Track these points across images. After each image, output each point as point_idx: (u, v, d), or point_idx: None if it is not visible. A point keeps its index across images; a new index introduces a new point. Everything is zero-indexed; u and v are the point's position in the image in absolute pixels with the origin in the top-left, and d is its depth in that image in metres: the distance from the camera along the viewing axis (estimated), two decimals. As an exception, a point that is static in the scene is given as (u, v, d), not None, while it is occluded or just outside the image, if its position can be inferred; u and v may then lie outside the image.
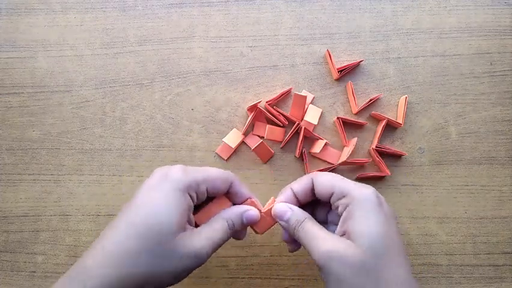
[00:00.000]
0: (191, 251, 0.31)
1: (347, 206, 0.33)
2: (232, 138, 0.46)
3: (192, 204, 0.33)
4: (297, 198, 0.36)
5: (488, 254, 0.45)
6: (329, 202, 0.35)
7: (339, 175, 0.36)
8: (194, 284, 0.45)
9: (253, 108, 0.46)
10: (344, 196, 0.33)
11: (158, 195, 0.31)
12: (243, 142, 0.46)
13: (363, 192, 0.33)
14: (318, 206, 0.38)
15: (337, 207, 0.34)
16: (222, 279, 0.45)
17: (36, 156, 0.47)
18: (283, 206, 0.36)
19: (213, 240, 0.33)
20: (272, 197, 0.38)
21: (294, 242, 0.37)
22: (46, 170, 0.47)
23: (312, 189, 0.36)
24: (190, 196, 0.32)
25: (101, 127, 0.47)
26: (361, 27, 0.48)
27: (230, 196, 0.36)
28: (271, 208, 0.37)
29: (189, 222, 0.33)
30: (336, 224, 0.34)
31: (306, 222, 0.34)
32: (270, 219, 0.37)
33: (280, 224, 0.37)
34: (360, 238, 0.31)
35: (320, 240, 0.32)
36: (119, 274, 0.29)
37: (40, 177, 0.47)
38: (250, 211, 0.36)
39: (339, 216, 0.34)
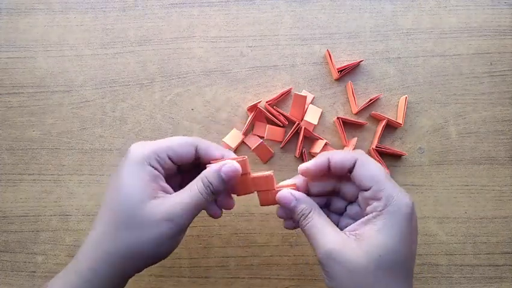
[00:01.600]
0: (163, 216, 0.30)
1: (379, 209, 0.30)
2: (232, 138, 0.46)
3: (156, 173, 0.32)
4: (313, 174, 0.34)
5: (488, 254, 0.45)
6: (350, 192, 0.34)
7: (383, 168, 0.32)
8: (194, 284, 0.45)
9: (253, 108, 0.46)
10: (381, 197, 0.30)
11: (121, 173, 0.32)
12: (242, 142, 0.46)
13: (404, 202, 0.30)
14: (337, 195, 0.36)
15: (366, 203, 0.32)
16: (222, 279, 0.45)
17: (36, 156, 0.47)
18: (287, 194, 0.34)
19: (186, 201, 0.31)
20: (270, 171, 0.35)
21: (291, 220, 0.36)
22: (46, 170, 0.47)
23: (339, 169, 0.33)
24: (153, 166, 0.32)
25: (101, 127, 0.47)
26: (361, 27, 0.48)
27: (204, 161, 0.34)
28: (259, 176, 0.34)
29: (164, 190, 0.32)
30: (353, 219, 0.33)
31: (312, 215, 0.32)
32: (251, 186, 0.35)
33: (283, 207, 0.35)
34: (373, 247, 0.29)
35: (325, 236, 0.31)
36: (102, 255, 0.30)
37: (40, 177, 0.47)
38: (227, 165, 0.32)
39: (361, 210, 0.33)
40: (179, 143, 0.33)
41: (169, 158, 0.33)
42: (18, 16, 0.49)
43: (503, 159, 0.46)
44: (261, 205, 0.36)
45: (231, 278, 0.45)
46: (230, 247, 0.45)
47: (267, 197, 0.35)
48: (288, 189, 0.34)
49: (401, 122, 0.45)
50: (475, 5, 0.48)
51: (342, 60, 0.47)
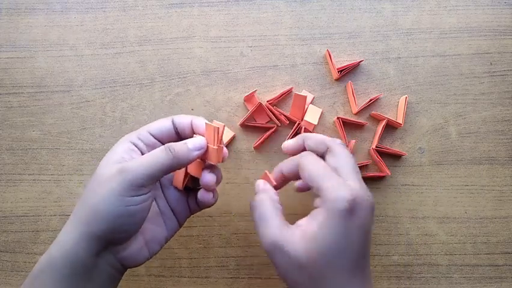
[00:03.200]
0: (116, 170, 0.31)
1: (318, 204, 0.31)
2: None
3: (132, 147, 0.33)
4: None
5: (488, 254, 0.45)
6: None
7: (338, 164, 0.33)
8: (194, 284, 0.45)
9: (250, 98, 0.46)
10: (320, 194, 0.31)
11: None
12: (233, 139, 0.46)
13: (340, 197, 0.30)
14: None
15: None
16: (222, 279, 0.45)
17: (36, 156, 0.47)
18: (259, 182, 0.36)
19: (141, 160, 0.31)
20: (266, 171, 0.37)
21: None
22: (46, 170, 0.47)
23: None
24: (132, 142, 0.33)
25: (101, 127, 0.47)
26: (361, 27, 0.48)
27: (181, 133, 0.36)
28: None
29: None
30: None
31: (262, 203, 0.33)
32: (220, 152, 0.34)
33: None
34: (312, 241, 0.30)
35: (271, 227, 0.31)
36: (71, 217, 0.33)
37: (40, 177, 0.47)
38: (195, 138, 0.34)
39: None
40: (157, 121, 0.35)
41: (150, 134, 0.34)
42: (18, 16, 0.49)
43: (503, 159, 0.46)
44: (214, 163, 0.35)
45: (231, 278, 0.45)
46: (230, 247, 0.45)
47: (213, 152, 0.34)
48: (263, 180, 0.36)
49: (401, 122, 0.45)
50: (475, 5, 0.48)
51: (342, 60, 0.47)
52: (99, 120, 0.47)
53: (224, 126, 0.34)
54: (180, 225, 0.38)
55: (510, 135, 0.46)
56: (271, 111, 0.45)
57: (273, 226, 0.32)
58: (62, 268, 0.31)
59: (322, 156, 0.34)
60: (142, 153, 0.34)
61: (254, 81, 0.47)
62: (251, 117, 0.46)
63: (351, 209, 0.30)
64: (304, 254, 0.30)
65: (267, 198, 0.34)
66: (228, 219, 0.46)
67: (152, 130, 0.34)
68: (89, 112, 0.47)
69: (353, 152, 0.46)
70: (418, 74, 0.47)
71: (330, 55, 0.46)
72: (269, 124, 0.46)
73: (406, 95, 0.46)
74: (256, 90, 0.46)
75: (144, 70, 0.48)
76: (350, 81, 0.46)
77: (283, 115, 0.45)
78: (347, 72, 0.47)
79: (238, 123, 0.46)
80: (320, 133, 0.46)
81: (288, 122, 0.46)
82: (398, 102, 0.47)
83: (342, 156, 0.33)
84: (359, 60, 0.47)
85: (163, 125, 0.35)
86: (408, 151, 0.46)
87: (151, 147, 0.34)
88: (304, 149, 0.36)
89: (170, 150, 0.32)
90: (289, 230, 0.31)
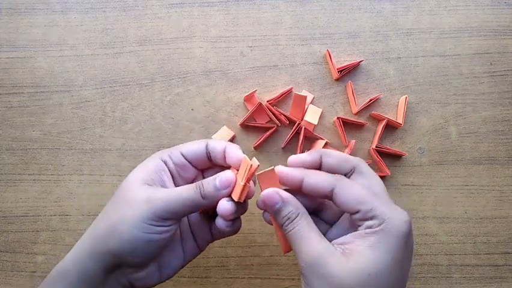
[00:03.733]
0: (144, 198, 0.30)
1: (373, 226, 0.28)
2: (221, 136, 0.46)
3: (162, 166, 0.33)
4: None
5: (488, 254, 0.45)
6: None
7: (369, 187, 0.30)
8: (194, 284, 0.45)
9: (250, 98, 0.46)
10: (372, 218, 0.29)
11: (134, 169, 0.34)
12: (233, 139, 0.46)
13: (401, 219, 0.28)
14: (328, 206, 0.34)
15: (357, 225, 0.30)
16: (222, 279, 0.45)
17: (36, 156, 0.47)
18: (273, 194, 0.31)
19: (170, 194, 0.31)
20: (273, 166, 0.32)
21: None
22: (46, 170, 0.47)
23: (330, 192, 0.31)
24: (163, 160, 0.33)
25: (101, 127, 0.47)
26: (361, 27, 0.48)
27: (214, 160, 0.34)
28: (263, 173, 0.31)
29: (163, 185, 0.33)
30: (343, 230, 0.32)
31: (299, 220, 0.30)
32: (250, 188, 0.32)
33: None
34: (362, 264, 0.27)
35: (311, 244, 0.29)
36: (89, 231, 0.32)
37: (40, 177, 0.47)
38: (224, 173, 0.31)
39: (352, 225, 0.31)
40: (191, 142, 0.35)
41: (183, 155, 0.34)
42: (18, 16, 0.49)
43: (503, 159, 0.46)
44: (237, 200, 0.32)
45: (231, 278, 0.45)
46: (230, 247, 0.45)
47: (238, 189, 0.32)
48: (274, 189, 0.31)
49: (401, 122, 0.45)
50: (475, 5, 0.48)
51: (342, 60, 0.47)
52: (99, 120, 0.47)
53: (258, 166, 0.31)
54: (200, 250, 0.36)
55: (510, 135, 0.46)
56: (271, 111, 0.45)
57: (314, 242, 0.29)
58: (73, 279, 0.31)
59: (327, 196, 0.31)
60: (172, 174, 0.34)
61: (254, 81, 0.47)
62: (251, 117, 0.46)
63: (408, 233, 0.29)
64: (351, 275, 0.27)
65: (301, 212, 0.31)
66: (228, 219, 0.45)
67: (185, 152, 0.34)
68: (89, 112, 0.47)
69: (353, 152, 0.46)
70: (418, 74, 0.47)
71: (330, 55, 0.46)
72: (269, 124, 0.46)
73: (406, 95, 0.46)
74: (256, 90, 0.46)
75: (144, 70, 0.48)
76: (350, 81, 0.46)
77: (283, 115, 0.45)
78: (347, 72, 0.47)
79: (238, 123, 0.46)
80: (320, 133, 0.46)
81: (288, 122, 0.46)
82: (398, 102, 0.47)
83: (372, 176, 0.31)
84: (359, 60, 0.47)
85: (196, 148, 0.34)
86: (408, 151, 0.46)
87: (181, 168, 0.34)
88: (318, 168, 0.32)
89: (200, 189, 0.31)
90: (332, 247, 0.29)
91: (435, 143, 0.46)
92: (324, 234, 0.31)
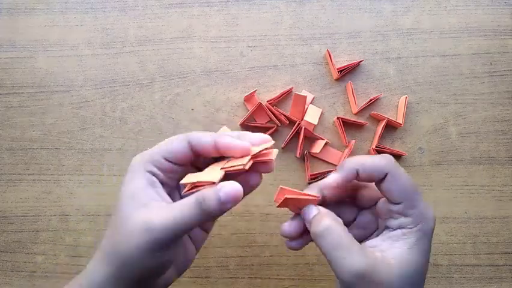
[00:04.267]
0: (142, 226, 0.28)
1: (410, 226, 0.29)
2: None
3: (153, 179, 0.30)
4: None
5: (488, 254, 0.45)
6: (360, 203, 0.32)
7: (413, 182, 0.30)
8: (194, 284, 0.45)
9: (250, 98, 0.46)
10: (411, 214, 0.29)
11: (122, 184, 0.31)
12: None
13: (431, 220, 0.29)
14: (346, 204, 0.34)
15: (388, 215, 0.30)
16: (222, 279, 0.45)
17: (36, 156, 0.47)
18: (311, 206, 0.31)
19: (168, 216, 0.28)
20: (280, 186, 0.31)
21: (299, 241, 0.33)
22: (46, 170, 0.47)
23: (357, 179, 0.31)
24: (150, 172, 0.31)
25: (101, 127, 0.47)
26: (361, 27, 0.48)
27: (202, 153, 0.31)
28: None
29: (159, 195, 0.30)
30: (363, 228, 0.32)
31: (334, 228, 0.29)
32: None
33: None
34: (406, 267, 0.28)
35: (352, 255, 0.28)
36: (101, 255, 0.30)
37: (40, 177, 0.47)
38: (230, 186, 0.28)
39: (374, 219, 0.31)
40: (170, 141, 0.31)
41: (165, 159, 0.31)
42: (18, 16, 0.49)
43: (503, 159, 0.46)
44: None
45: (231, 278, 0.45)
46: (230, 247, 0.45)
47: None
48: (313, 206, 0.31)
49: (401, 122, 0.45)
50: (475, 5, 0.48)
51: (342, 60, 0.47)
52: (99, 120, 0.47)
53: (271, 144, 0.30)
54: (207, 232, 0.35)
55: (510, 135, 0.46)
56: (271, 111, 0.45)
57: (354, 253, 0.28)
58: None
59: (378, 181, 0.31)
60: (162, 183, 0.31)
61: (254, 81, 0.47)
62: (251, 117, 0.46)
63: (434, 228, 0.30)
64: (398, 280, 0.28)
65: (335, 223, 0.29)
66: (228, 219, 0.45)
67: (167, 155, 0.31)
68: (89, 112, 0.47)
69: (353, 152, 0.46)
70: (418, 74, 0.47)
71: (330, 55, 0.46)
72: (269, 124, 0.46)
73: (406, 95, 0.46)
74: (256, 90, 0.46)
75: (144, 70, 0.48)
76: (350, 81, 0.46)
77: (283, 115, 0.45)
78: (347, 72, 0.47)
79: (238, 123, 0.46)
80: (320, 133, 0.46)
81: (288, 122, 0.46)
82: (398, 102, 0.47)
83: (404, 177, 0.30)
84: (359, 60, 0.47)
85: (176, 148, 0.31)
86: (408, 151, 0.46)
87: (169, 172, 0.31)
88: (354, 178, 0.31)
89: (201, 204, 0.28)
90: (373, 255, 0.29)
91: (435, 143, 0.46)
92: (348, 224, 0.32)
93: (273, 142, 0.31)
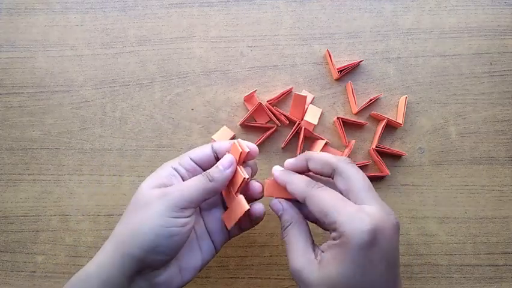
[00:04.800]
0: (158, 194, 0.32)
1: (335, 237, 0.29)
2: (221, 136, 0.46)
3: (173, 172, 0.35)
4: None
5: (488, 254, 0.45)
6: None
7: (351, 184, 0.31)
8: (194, 284, 0.45)
9: (250, 98, 0.46)
10: (335, 228, 0.29)
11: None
12: (233, 139, 0.46)
13: (359, 230, 0.28)
14: None
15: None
16: (222, 279, 0.45)
17: (36, 156, 0.47)
18: (276, 203, 0.35)
19: (182, 185, 0.33)
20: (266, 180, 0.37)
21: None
22: (46, 170, 0.47)
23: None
24: (173, 168, 0.35)
25: (101, 127, 0.47)
26: (361, 27, 0.48)
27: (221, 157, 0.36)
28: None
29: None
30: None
31: (290, 230, 0.33)
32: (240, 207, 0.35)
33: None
34: (327, 273, 0.29)
35: (295, 254, 0.32)
36: (112, 238, 0.33)
37: (40, 177, 0.47)
38: (224, 157, 0.35)
39: None
40: (198, 147, 0.37)
41: (190, 158, 0.36)
42: (18, 16, 0.49)
43: (503, 159, 0.46)
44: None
45: (231, 278, 0.45)
46: (230, 247, 0.45)
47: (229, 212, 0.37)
48: (278, 200, 0.35)
49: (401, 122, 0.45)
50: (475, 5, 0.48)
51: (342, 60, 0.47)
52: (99, 120, 0.47)
53: (248, 152, 0.35)
54: (217, 250, 0.37)
55: (510, 135, 0.46)
56: (271, 111, 0.45)
57: (298, 252, 0.32)
58: (96, 286, 0.31)
59: (329, 177, 0.33)
60: (183, 179, 0.35)
61: (254, 81, 0.47)
62: (251, 117, 0.46)
63: (371, 241, 0.28)
64: (320, 283, 0.29)
65: (293, 222, 0.34)
66: (228, 219, 0.45)
67: (193, 156, 0.36)
68: (89, 112, 0.47)
69: (353, 152, 0.46)
70: (418, 74, 0.47)
71: (330, 55, 0.46)
72: (269, 124, 0.46)
73: (406, 95, 0.46)
74: (256, 90, 0.46)
75: (144, 70, 0.48)
76: (350, 81, 0.46)
77: (283, 115, 0.45)
78: (347, 72, 0.47)
79: (238, 123, 0.46)
80: (320, 133, 0.46)
81: (288, 122, 0.46)
82: (398, 102, 0.47)
83: (352, 176, 0.31)
84: (359, 60, 0.47)
85: (203, 151, 0.36)
86: (408, 151, 0.46)
87: (192, 172, 0.36)
88: (307, 170, 0.35)
89: (207, 175, 0.34)
90: (311, 257, 0.31)
91: (435, 143, 0.46)
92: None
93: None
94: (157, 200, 0.32)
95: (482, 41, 0.47)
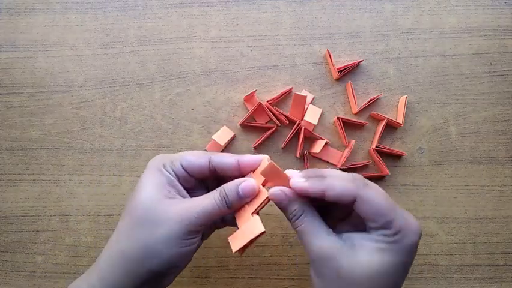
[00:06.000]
0: (174, 215, 0.31)
1: (387, 234, 0.30)
2: (222, 136, 0.46)
3: (172, 177, 0.33)
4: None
5: (488, 254, 0.45)
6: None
7: (386, 196, 0.31)
8: (194, 284, 0.45)
9: (250, 98, 0.46)
10: (388, 227, 0.29)
11: (139, 180, 0.34)
12: (233, 139, 0.46)
13: (412, 233, 0.30)
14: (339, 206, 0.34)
15: (369, 227, 0.30)
16: (222, 279, 0.45)
17: (36, 156, 0.47)
18: (279, 192, 0.32)
19: (199, 207, 0.32)
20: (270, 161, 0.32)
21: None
22: (46, 170, 0.47)
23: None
24: (168, 172, 0.33)
25: (101, 127, 0.47)
26: (361, 27, 0.48)
27: (220, 172, 0.34)
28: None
29: (180, 194, 0.34)
30: (354, 226, 0.32)
31: (304, 218, 0.32)
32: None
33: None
34: (371, 262, 0.29)
35: (319, 239, 0.30)
36: (117, 253, 0.32)
37: (40, 177, 0.47)
38: (246, 182, 0.33)
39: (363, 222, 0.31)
40: (192, 153, 0.34)
41: (183, 168, 0.34)
42: (18, 16, 0.49)
43: (503, 159, 0.46)
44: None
45: (231, 278, 0.45)
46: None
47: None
48: (279, 188, 0.32)
49: (401, 122, 0.45)
50: (475, 5, 0.48)
51: (342, 60, 0.47)
52: (99, 120, 0.47)
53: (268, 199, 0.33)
54: (202, 241, 0.36)
55: (510, 135, 0.46)
56: (271, 111, 0.45)
57: (322, 237, 0.31)
58: None
59: (349, 204, 0.31)
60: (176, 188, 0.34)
61: (254, 81, 0.47)
62: (251, 117, 0.46)
63: (418, 243, 0.30)
64: (359, 270, 0.29)
65: (306, 210, 0.32)
66: (228, 219, 0.45)
67: (186, 164, 0.34)
68: (89, 112, 0.47)
69: (353, 152, 0.46)
70: (418, 74, 0.47)
71: (330, 55, 0.46)
72: (269, 124, 0.46)
73: (406, 95, 0.46)
74: (256, 90, 0.46)
75: (144, 70, 0.48)
76: (350, 81, 0.46)
77: (283, 115, 0.45)
78: (347, 72, 0.47)
79: (238, 123, 0.46)
80: (320, 133, 0.46)
81: (288, 122, 0.46)
82: (398, 102, 0.47)
83: (375, 199, 0.30)
84: (359, 60, 0.47)
85: (197, 163, 0.34)
86: (408, 151, 0.46)
87: (183, 180, 0.34)
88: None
89: (225, 200, 0.32)
90: (340, 241, 0.30)
91: (435, 143, 0.46)
92: (334, 228, 0.32)
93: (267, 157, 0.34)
94: (173, 222, 0.31)
95: (482, 41, 0.47)
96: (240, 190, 0.32)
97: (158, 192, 0.32)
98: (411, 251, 0.30)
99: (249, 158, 0.34)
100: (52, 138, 0.47)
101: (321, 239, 0.31)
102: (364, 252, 0.29)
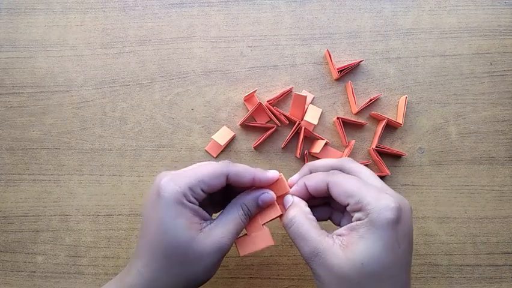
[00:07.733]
0: (212, 248, 0.32)
1: (362, 217, 0.30)
2: (222, 136, 0.46)
3: (196, 207, 0.32)
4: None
5: (488, 254, 0.45)
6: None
7: (362, 178, 0.33)
8: (194, 284, 0.45)
9: (250, 98, 0.46)
10: (360, 209, 0.30)
11: (161, 214, 0.32)
12: (233, 139, 0.46)
13: (386, 207, 0.29)
14: (334, 206, 0.37)
15: (350, 216, 0.32)
16: (222, 279, 0.45)
17: (36, 156, 0.47)
18: (289, 197, 0.35)
19: (230, 230, 0.33)
20: (280, 175, 0.35)
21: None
22: (46, 170, 0.47)
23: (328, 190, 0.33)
24: (189, 201, 0.32)
25: (101, 127, 0.47)
26: (361, 27, 0.48)
27: (235, 186, 0.35)
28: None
29: (204, 219, 0.33)
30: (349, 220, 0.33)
31: (296, 218, 0.33)
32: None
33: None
34: (355, 254, 0.29)
35: (310, 237, 0.31)
36: (164, 259, 0.32)
37: (40, 177, 0.47)
38: (266, 194, 0.34)
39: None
40: (210, 175, 0.33)
41: (201, 190, 0.33)
42: (18, 16, 0.49)
43: (503, 159, 0.46)
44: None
45: (231, 278, 0.45)
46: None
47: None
48: (290, 196, 0.35)
49: (401, 122, 0.45)
50: (475, 5, 0.48)
51: (342, 60, 0.47)
52: (99, 120, 0.47)
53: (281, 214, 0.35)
54: None
55: (510, 135, 0.46)
56: (271, 111, 0.45)
57: (312, 237, 0.31)
58: None
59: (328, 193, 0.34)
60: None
61: (254, 81, 0.47)
62: (251, 117, 0.46)
63: (397, 218, 0.29)
64: (347, 265, 0.29)
65: (299, 213, 0.33)
66: (228, 219, 0.45)
67: (205, 187, 0.33)
68: (89, 112, 0.47)
69: (353, 152, 0.46)
70: (418, 74, 0.47)
71: (330, 55, 0.46)
72: (269, 124, 0.46)
73: (406, 95, 0.46)
74: (256, 90, 0.46)
75: (144, 70, 0.48)
76: (349, 81, 0.46)
77: (283, 115, 0.45)
78: (347, 72, 0.47)
79: (238, 123, 0.46)
80: (320, 133, 0.46)
81: (288, 122, 0.46)
82: (398, 102, 0.47)
83: (344, 181, 0.32)
84: (359, 60, 0.47)
85: (215, 184, 0.33)
86: (408, 151, 0.46)
87: (199, 198, 0.33)
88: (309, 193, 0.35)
89: (248, 214, 0.34)
90: (329, 239, 0.31)
91: (435, 143, 0.46)
92: (339, 224, 0.36)
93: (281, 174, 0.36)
94: (212, 255, 0.32)
95: (482, 41, 0.47)
96: (260, 202, 0.34)
97: (191, 230, 0.32)
98: (390, 229, 0.29)
99: (266, 179, 0.35)
100: (52, 138, 0.47)
101: (312, 239, 0.31)
102: (349, 247, 0.30)
